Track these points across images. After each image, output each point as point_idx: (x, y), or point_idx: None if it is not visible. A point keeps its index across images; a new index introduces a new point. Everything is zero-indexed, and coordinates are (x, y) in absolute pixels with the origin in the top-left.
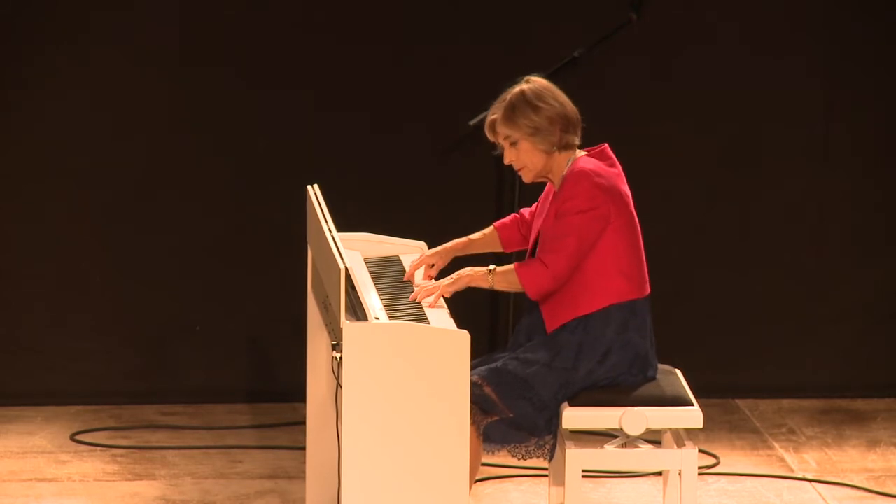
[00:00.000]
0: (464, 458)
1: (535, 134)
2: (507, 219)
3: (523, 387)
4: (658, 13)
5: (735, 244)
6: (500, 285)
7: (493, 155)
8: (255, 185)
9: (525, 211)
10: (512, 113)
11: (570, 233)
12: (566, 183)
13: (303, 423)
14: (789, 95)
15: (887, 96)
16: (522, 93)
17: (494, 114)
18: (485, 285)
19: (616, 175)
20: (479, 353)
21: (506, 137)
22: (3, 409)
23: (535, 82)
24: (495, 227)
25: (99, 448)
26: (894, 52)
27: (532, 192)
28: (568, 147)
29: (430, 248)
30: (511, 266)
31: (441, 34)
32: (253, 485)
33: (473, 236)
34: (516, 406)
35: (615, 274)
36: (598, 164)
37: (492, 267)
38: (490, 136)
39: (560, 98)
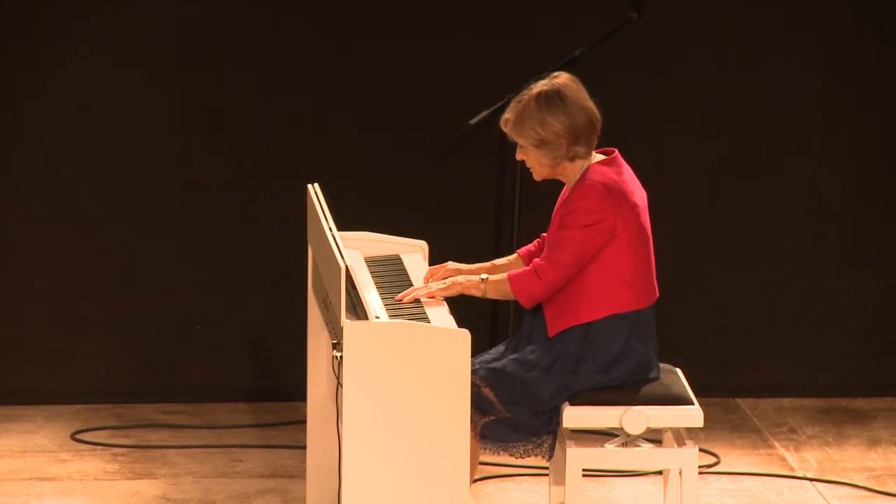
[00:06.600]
0: (464, 457)
1: (539, 146)
2: (532, 244)
3: (522, 390)
4: (658, 13)
5: (735, 244)
6: (493, 294)
7: (493, 155)
8: (255, 184)
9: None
10: (521, 121)
11: (569, 247)
12: (576, 192)
13: (303, 422)
14: (789, 95)
15: (887, 96)
16: (536, 99)
17: (509, 113)
18: (477, 294)
19: (626, 184)
20: (479, 352)
21: (515, 140)
22: (3, 409)
23: (556, 85)
24: (519, 255)
25: (99, 447)
26: (894, 52)
27: (533, 192)
28: (577, 157)
29: (429, 247)
30: (504, 276)
31: (441, 34)
32: (253, 484)
33: (497, 262)
34: (514, 409)
35: (618, 286)
36: (609, 175)
37: (484, 276)
38: (504, 130)
39: (575, 108)
